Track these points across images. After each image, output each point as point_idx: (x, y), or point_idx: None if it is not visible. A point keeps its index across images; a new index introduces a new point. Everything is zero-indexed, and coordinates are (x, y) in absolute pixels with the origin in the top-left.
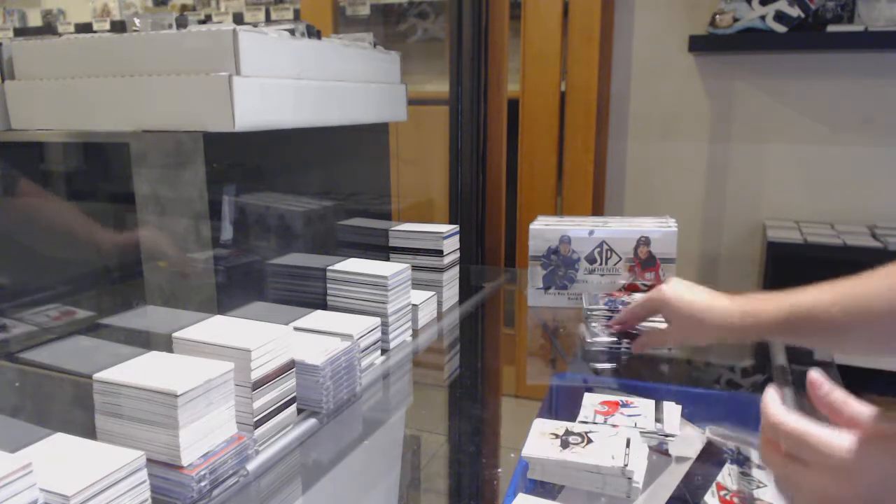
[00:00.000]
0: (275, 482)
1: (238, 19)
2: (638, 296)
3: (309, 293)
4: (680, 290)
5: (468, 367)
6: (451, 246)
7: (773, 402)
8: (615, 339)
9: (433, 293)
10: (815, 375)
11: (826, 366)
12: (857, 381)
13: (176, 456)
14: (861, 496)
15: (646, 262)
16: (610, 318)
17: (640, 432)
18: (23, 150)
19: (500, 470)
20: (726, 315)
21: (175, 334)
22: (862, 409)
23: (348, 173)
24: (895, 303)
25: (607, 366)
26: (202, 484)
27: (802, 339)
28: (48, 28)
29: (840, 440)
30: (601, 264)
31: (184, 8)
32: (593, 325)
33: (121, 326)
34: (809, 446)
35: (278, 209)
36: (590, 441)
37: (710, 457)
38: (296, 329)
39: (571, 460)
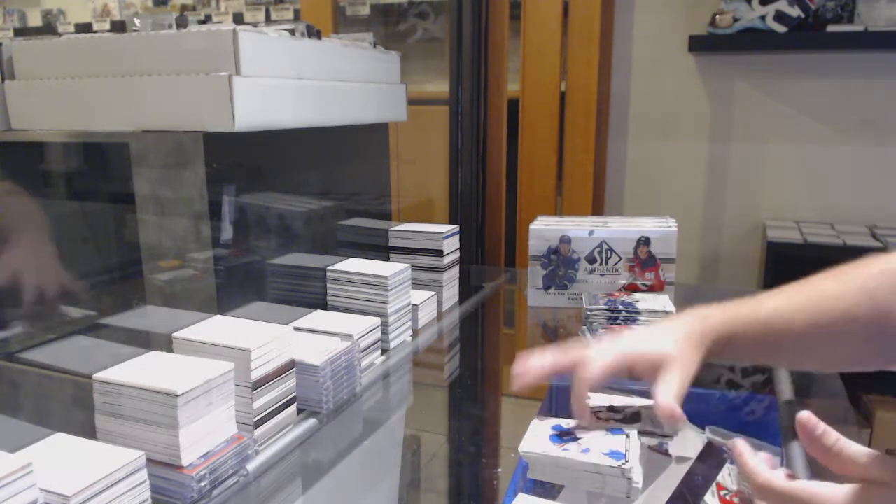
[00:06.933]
0: (275, 482)
1: (238, 19)
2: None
3: (309, 293)
4: (630, 334)
5: (468, 367)
6: (451, 246)
7: (751, 460)
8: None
9: (433, 293)
10: (805, 415)
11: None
12: (857, 380)
13: (176, 456)
14: None
15: (646, 262)
16: (610, 317)
17: (640, 432)
18: (23, 150)
19: (500, 470)
20: (686, 320)
21: (175, 334)
22: (857, 450)
23: (348, 173)
24: (874, 310)
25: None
26: (202, 484)
27: (763, 353)
28: (48, 28)
29: (830, 495)
30: (601, 264)
31: (184, 8)
32: (597, 330)
33: (121, 326)
34: None
35: (278, 209)
36: (589, 440)
37: (710, 457)
38: (296, 329)
39: (571, 459)
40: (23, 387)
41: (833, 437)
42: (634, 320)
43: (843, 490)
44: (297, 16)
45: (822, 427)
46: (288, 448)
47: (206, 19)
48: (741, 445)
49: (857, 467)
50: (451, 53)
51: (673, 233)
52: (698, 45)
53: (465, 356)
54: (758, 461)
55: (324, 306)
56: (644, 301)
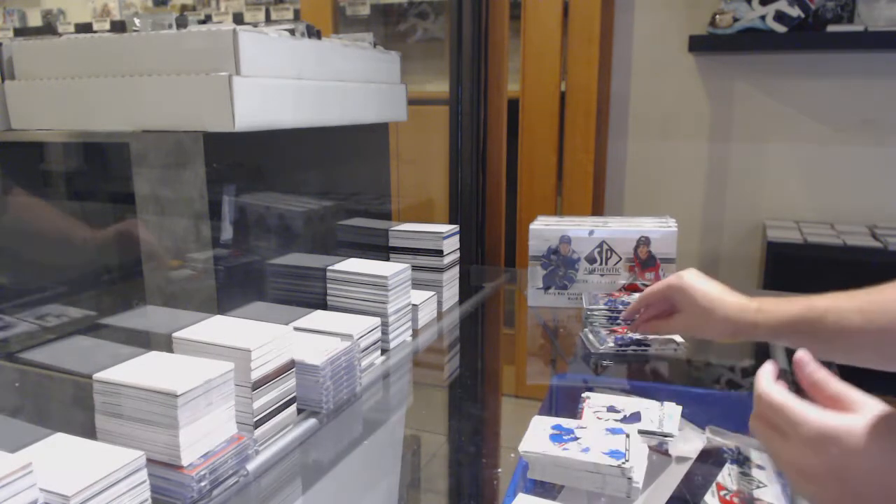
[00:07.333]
0: (275, 482)
1: (238, 19)
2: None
3: (309, 293)
4: (699, 279)
5: (468, 367)
6: (451, 246)
7: (765, 376)
8: (624, 339)
9: (433, 293)
10: (801, 354)
11: (827, 365)
12: (856, 381)
13: (176, 456)
14: (832, 469)
15: (646, 262)
16: (610, 318)
17: (640, 432)
18: (23, 150)
19: (500, 470)
20: (740, 308)
21: (175, 334)
22: (843, 388)
23: (348, 173)
24: None
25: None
26: (202, 484)
27: (813, 343)
28: (48, 28)
29: (816, 414)
30: (601, 264)
31: (184, 8)
32: (599, 331)
33: (121, 326)
34: (787, 418)
35: (278, 209)
36: (589, 440)
37: (710, 457)
38: (296, 329)
39: (571, 459)
40: (23, 387)
41: (823, 374)
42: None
43: (826, 413)
44: (297, 16)
45: (813, 364)
46: (288, 448)
47: (206, 19)
48: (770, 364)
49: (839, 402)
50: (451, 53)
51: (673, 233)
52: (698, 45)
53: (465, 356)
54: (771, 380)
55: (324, 306)
56: None
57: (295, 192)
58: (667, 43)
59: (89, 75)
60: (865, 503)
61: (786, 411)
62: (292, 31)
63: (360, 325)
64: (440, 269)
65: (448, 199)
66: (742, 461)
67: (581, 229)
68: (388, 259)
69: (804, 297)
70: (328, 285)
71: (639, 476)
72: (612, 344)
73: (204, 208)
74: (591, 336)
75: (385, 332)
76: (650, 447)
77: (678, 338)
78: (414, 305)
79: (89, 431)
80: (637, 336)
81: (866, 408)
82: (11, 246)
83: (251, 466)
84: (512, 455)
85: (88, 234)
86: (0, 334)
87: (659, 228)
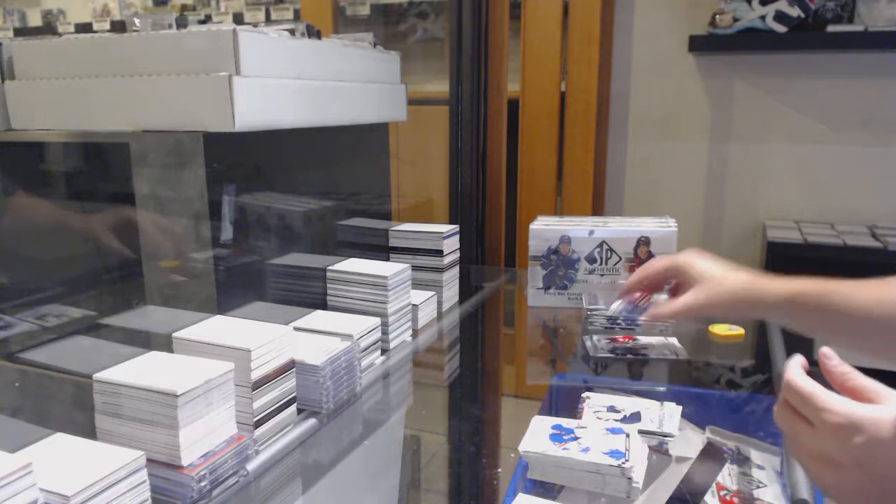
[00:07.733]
0: (275, 482)
1: (238, 19)
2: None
3: (309, 293)
4: (700, 256)
5: (468, 367)
6: (451, 246)
7: (795, 366)
8: (623, 307)
9: (433, 293)
10: (825, 348)
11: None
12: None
13: (176, 456)
14: (856, 457)
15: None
16: (610, 318)
17: (640, 432)
18: (23, 150)
19: (499, 470)
20: (750, 279)
21: (175, 334)
22: (869, 381)
23: (348, 173)
24: None
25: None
26: (202, 484)
27: (815, 320)
28: (48, 28)
29: (843, 403)
30: (601, 264)
31: (184, 8)
32: (596, 337)
33: (121, 326)
34: (814, 405)
35: (278, 209)
36: (589, 440)
37: (710, 457)
38: (296, 329)
39: (571, 459)
40: (23, 387)
41: (847, 368)
42: (634, 320)
43: (854, 403)
44: (297, 16)
45: (837, 359)
46: (288, 448)
47: (206, 19)
48: (799, 356)
49: (865, 395)
50: (451, 53)
51: (673, 233)
52: (698, 45)
53: (465, 356)
54: (800, 370)
55: (324, 306)
56: None
57: (295, 192)
58: (667, 43)
59: (89, 75)
60: (889, 493)
61: (813, 399)
62: (292, 31)
63: (360, 325)
64: (440, 269)
65: (448, 199)
66: (742, 461)
67: (581, 229)
68: (388, 259)
69: (808, 279)
70: (328, 285)
71: (639, 476)
72: (611, 354)
73: (204, 208)
74: (591, 344)
75: (385, 332)
76: (650, 447)
77: (677, 343)
78: (414, 305)
79: (89, 431)
80: (637, 339)
81: (892, 399)
82: (12, 246)
83: (251, 466)
84: (512, 455)
85: (88, 234)
86: (0, 334)
87: (659, 228)
